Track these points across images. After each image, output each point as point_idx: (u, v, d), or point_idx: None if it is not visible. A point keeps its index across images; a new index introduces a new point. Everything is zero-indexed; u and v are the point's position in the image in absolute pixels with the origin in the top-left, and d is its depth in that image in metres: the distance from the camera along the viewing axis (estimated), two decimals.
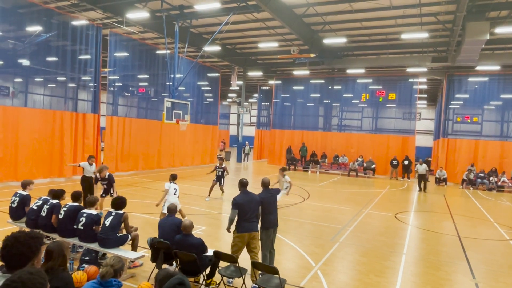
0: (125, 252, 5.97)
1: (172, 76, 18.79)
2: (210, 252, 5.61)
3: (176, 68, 18.81)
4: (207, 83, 26.88)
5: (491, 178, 20.97)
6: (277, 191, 6.62)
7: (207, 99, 27.86)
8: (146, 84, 22.87)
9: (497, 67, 21.81)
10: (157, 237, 5.86)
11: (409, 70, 24.04)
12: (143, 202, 12.33)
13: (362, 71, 25.01)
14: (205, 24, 20.23)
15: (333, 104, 28.87)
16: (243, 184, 6.10)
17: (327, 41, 19.45)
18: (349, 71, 25.31)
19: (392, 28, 19.05)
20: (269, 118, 34.20)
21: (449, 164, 23.35)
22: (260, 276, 5.50)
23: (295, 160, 26.92)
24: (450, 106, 24.72)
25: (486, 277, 7.17)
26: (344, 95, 28.15)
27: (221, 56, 25.04)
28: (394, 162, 24.05)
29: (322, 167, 26.10)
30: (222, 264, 5.74)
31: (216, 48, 22.50)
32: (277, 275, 5.03)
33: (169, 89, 19.12)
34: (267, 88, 35.32)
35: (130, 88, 22.21)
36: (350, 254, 8.16)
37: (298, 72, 27.15)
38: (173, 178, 9.18)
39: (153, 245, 5.72)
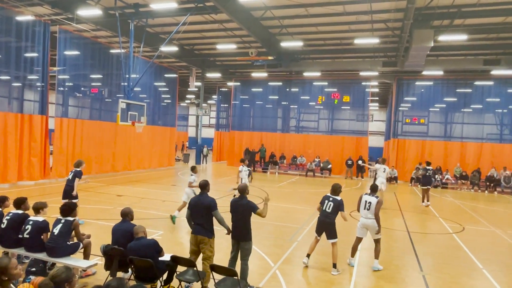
0: (76, 260, 5.69)
1: (127, 76, 18.19)
2: (167, 257, 5.49)
3: (132, 68, 18.24)
4: (164, 84, 26.31)
5: (436, 176, 22.41)
6: (251, 205, 5.83)
7: (165, 100, 27.28)
8: (100, 84, 21.92)
9: (440, 72, 23.41)
10: (111, 243, 5.64)
11: (361, 73, 25.12)
12: (96, 207, 11.80)
13: (318, 74, 25.74)
14: (161, 24, 19.81)
15: (291, 106, 29.43)
16: (200, 186, 6.03)
17: (284, 44, 19.81)
18: (306, 74, 25.94)
19: (346, 33, 19.79)
20: (228, 119, 34.16)
21: (399, 163, 24.66)
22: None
23: (254, 161, 27.09)
24: (399, 109, 26.13)
25: (433, 269, 7.65)
26: (301, 97, 28.80)
27: (178, 56, 24.65)
28: (349, 162, 24.97)
29: (281, 168, 26.51)
30: (181, 269, 5.64)
31: (174, 49, 22.11)
32: (236, 277, 5.03)
33: (124, 90, 18.47)
34: (226, 89, 35.26)
35: (82, 88, 21.15)
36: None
37: (256, 74, 27.38)
38: (192, 169, 10.61)
39: (107, 252, 5.49)
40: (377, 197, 7.61)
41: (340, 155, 25.90)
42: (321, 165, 25.62)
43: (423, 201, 15.37)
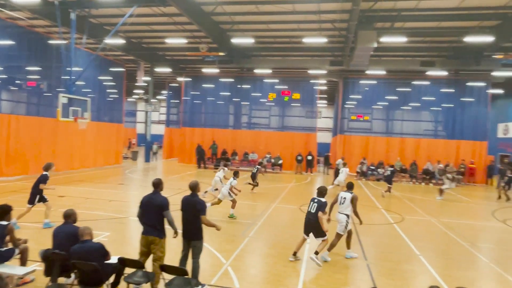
0: (11, 268, 5.27)
1: (69, 69, 17.10)
2: (114, 259, 5.27)
3: (73, 60, 17.16)
4: (110, 78, 25.07)
5: (379, 170, 23.80)
6: (199, 208, 5.70)
7: (111, 95, 26.03)
8: (38, 77, 20.34)
9: (383, 72, 24.79)
10: (51, 248, 5.29)
11: (310, 72, 25.85)
12: (35, 209, 10.99)
13: (269, 71, 26.06)
14: (106, 15, 18.84)
15: (243, 103, 29.53)
16: (153, 184, 5.82)
17: (236, 40, 19.78)
18: (257, 71, 26.14)
19: (295, 32, 20.23)
20: (179, 116, 33.48)
21: (345, 158, 25.75)
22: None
23: (203, 158, 26.83)
24: (345, 106, 27.34)
25: (376, 258, 8.13)
26: (252, 94, 29.02)
27: (125, 50, 23.63)
28: (299, 158, 25.65)
29: (233, 164, 26.53)
30: (129, 271, 5.45)
31: (120, 41, 21.15)
32: (187, 276, 4.97)
33: (65, 84, 17.35)
34: (177, 85, 34.50)
35: (17, 82, 19.52)
36: (259, 247, 8.48)
37: (207, 70, 27.08)
38: (235, 174, 11.11)
39: (47, 257, 5.15)
40: (351, 193, 8.03)
41: (290, 151, 26.51)
42: (272, 161, 26.05)
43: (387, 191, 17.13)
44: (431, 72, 24.09)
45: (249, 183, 16.36)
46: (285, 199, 15.03)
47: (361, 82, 27.25)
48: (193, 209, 5.69)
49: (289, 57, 25.53)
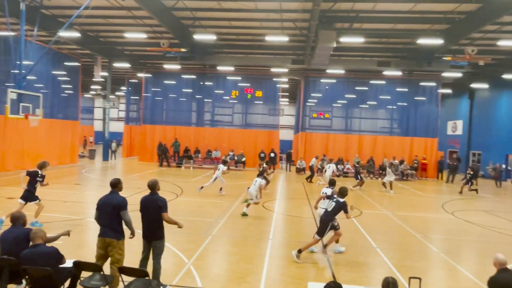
0: None
1: (18, 63, 16.05)
2: (69, 263, 5.04)
3: (23, 53, 16.13)
4: (65, 72, 23.82)
5: (338, 166, 24.53)
6: (160, 205, 5.57)
7: (66, 91, 24.75)
8: None
9: (342, 71, 25.55)
10: None
11: (273, 70, 26.10)
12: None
13: (231, 68, 26.01)
14: (60, 6, 17.88)
15: (205, 100, 29.24)
16: (110, 184, 5.63)
17: (198, 36, 19.54)
18: (219, 68, 25.99)
19: (258, 30, 20.31)
20: (139, 113, 32.53)
21: (307, 155, 26.35)
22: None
23: (166, 156, 26.32)
24: (307, 104, 27.91)
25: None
26: (215, 91, 28.81)
27: (81, 43, 22.55)
28: (262, 155, 25.85)
29: (196, 162, 26.25)
30: (86, 275, 5.24)
31: (75, 34, 20.13)
32: (147, 277, 4.87)
33: (14, 78, 16.28)
34: (137, 81, 33.47)
35: None
36: (222, 245, 8.47)
37: (169, 66, 26.50)
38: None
39: None
40: (333, 189, 8.54)
41: (253, 148, 26.65)
42: (236, 158, 26.05)
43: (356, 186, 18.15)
44: (387, 72, 25.18)
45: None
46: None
47: (322, 80, 27.94)
48: (154, 207, 5.56)
49: (251, 55, 25.60)
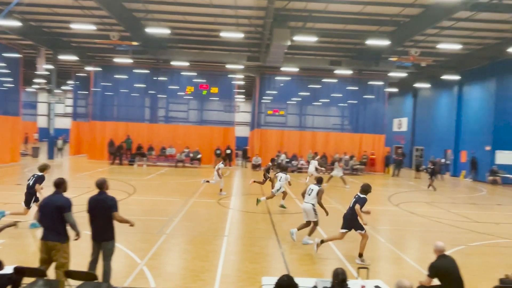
0: None
1: None
2: (9, 269, 4.71)
3: None
4: (4, 64, 22.00)
5: (293, 162, 25.11)
6: (110, 204, 5.40)
7: (5, 84, 22.88)
8: None
9: (296, 69, 26.10)
10: None
11: (228, 66, 26.02)
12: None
13: (186, 64, 25.55)
14: None
15: (159, 96, 28.48)
16: (53, 184, 5.31)
17: (150, 30, 18.96)
18: (174, 63, 25.43)
19: (213, 26, 20.13)
20: (88, 108, 30.95)
21: (263, 151, 26.66)
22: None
23: (120, 153, 25.36)
24: (262, 101, 28.19)
25: (290, 245, 8.60)
26: (169, 87, 28.17)
27: (22, 33, 20.92)
28: (218, 152, 25.73)
29: (149, 160, 25.53)
30: (29, 280, 4.93)
31: (15, 23, 18.58)
32: (97, 281, 4.69)
33: None
34: (85, 75, 31.76)
35: None
36: (177, 244, 8.36)
37: (120, 60, 25.42)
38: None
39: None
40: (319, 186, 8.79)
41: (209, 145, 26.44)
42: (191, 155, 25.71)
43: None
44: (338, 71, 26.09)
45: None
46: (203, 194, 14.99)
47: (277, 78, 28.34)
48: (103, 207, 5.36)
49: (206, 51, 25.33)
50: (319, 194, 8.61)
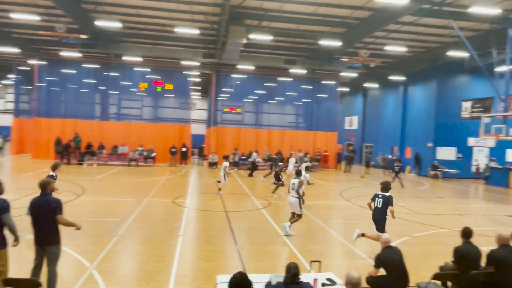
0: None
1: None
2: None
3: None
4: None
5: (249, 159, 25.24)
6: (54, 206, 5.09)
7: None
8: None
9: (252, 67, 26.26)
10: None
11: (183, 63, 25.57)
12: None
13: (139, 59, 24.75)
14: None
15: (111, 92, 27.31)
16: None
17: (100, 23, 18.14)
18: (126, 58, 24.52)
19: (167, 20, 19.67)
20: (32, 104, 28.93)
21: (219, 149, 26.55)
22: None
23: (68, 152, 24.01)
24: (218, 98, 28.04)
25: (246, 242, 8.67)
26: (122, 83, 27.12)
27: None
28: (173, 150, 25.24)
29: (100, 159, 24.43)
30: None
31: None
32: None
33: None
34: (28, 68, 29.64)
35: None
36: (130, 245, 8.10)
37: (67, 54, 24.05)
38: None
39: None
40: (299, 178, 9.53)
41: (164, 143, 25.83)
42: (145, 153, 24.98)
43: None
44: (293, 70, 26.63)
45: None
46: (158, 193, 14.65)
47: (233, 76, 28.34)
48: (47, 210, 5.05)
49: (161, 46, 24.71)
50: (299, 184, 9.33)
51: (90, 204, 12.03)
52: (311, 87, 29.23)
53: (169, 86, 26.74)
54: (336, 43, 19.68)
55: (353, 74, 27.67)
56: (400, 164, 19.95)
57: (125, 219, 10.18)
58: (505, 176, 21.67)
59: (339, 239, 9.37)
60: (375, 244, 5.94)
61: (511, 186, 21.08)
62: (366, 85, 31.74)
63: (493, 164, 23.85)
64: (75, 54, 23.92)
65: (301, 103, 29.86)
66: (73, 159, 24.15)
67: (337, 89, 29.57)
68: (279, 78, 28.87)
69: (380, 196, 7.96)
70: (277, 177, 15.46)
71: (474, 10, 14.64)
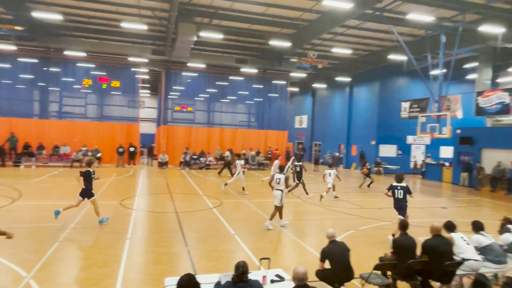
0: None
1: None
2: None
3: None
4: None
5: (201, 159, 25.02)
6: None
7: None
8: None
9: (203, 66, 25.99)
10: None
11: (131, 59, 24.64)
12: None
13: (83, 54, 23.44)
14: None
15: (51, 88, 25.54)
16: None
17: (38, 14, 16.91)
18: (67, 52, 23.09)
19: (113, 15, 18.85)
20: None
21: (170, 149, 25.98)
22: None
23: (2, 153, 22.09)
24: (169, 97, 27.40)
25: (197, 243, 8.58)
26: (63, 79, 25.46)
27: None
28: (120, 150, 24.25)
29: (39, 160, 22.79)
30: None
31: None
32: None
33: None
34: None
35: None
36: (72, 252, 7.67)
37: (0, 46, 22.09)
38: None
39: None
40: (284, 174, 10.20)
41: (110, 143, 24.71)
42: (89, 154, 23.68)
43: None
44: (244, 69, 26.76)
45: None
46: (104, 195, 13.98)
47: (184, 73, 27.84)
48: None
49: (106, 41, 23.59)
50: (286, 180, 9.94)
51: (28, 209, 11.21)
52: (262, 87, 29.59)
53: (116, 83, 25.59)
54: (286, 44, 20.09)
55: (302, 75, 28.44)
56: (376, 168, 23.20)
57: (66, 224, 9.61)
58: (439, 171, 23.56)
59: (289, 235, 9.61)
60: (323, 238, 6.17)
61: (444, 180, 22.96)
62: (315, 85, 32.78)
63: (428, 160, 25.81)
64: (9, 47, 22.03)
65: (252, 102, 30.12)
66: (9, 160, 22.28)
67: (287, 88, 30.21)
68: (230, 77, 28.86)
69: (399, 187, 9.06)
70: (299, 177, 15.60)
71: (411, 16, 15.70)
